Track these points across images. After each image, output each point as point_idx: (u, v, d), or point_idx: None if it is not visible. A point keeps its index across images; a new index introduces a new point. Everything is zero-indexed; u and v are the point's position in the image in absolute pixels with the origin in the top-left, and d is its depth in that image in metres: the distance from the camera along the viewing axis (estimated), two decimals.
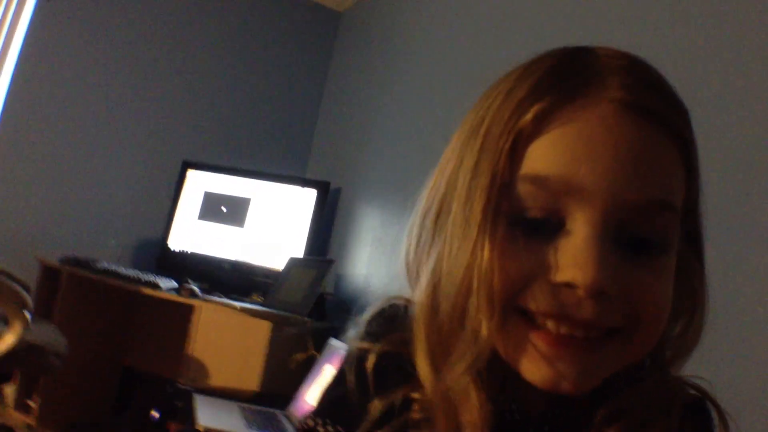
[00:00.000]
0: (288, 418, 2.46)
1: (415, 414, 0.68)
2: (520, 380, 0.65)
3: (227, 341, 3.01)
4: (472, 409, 0.64)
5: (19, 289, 2.66)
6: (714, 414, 0.72)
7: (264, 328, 2.95)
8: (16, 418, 3.50)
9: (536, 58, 0.67)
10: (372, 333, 0.74)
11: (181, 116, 4.35)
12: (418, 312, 0.70)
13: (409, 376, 0.68)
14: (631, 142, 0.60)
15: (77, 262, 3.47)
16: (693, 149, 0.65)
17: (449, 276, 0.65)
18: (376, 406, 0.68)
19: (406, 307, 0.74)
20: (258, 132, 4.54)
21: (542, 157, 0.61)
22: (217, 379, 2.90)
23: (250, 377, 2.88)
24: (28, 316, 2.68)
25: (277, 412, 2.52)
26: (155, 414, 2.59)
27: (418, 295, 0.70)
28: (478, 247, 0.62)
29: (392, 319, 0.75)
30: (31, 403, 3.49)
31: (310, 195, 3.78)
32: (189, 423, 2.17)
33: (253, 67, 4.56)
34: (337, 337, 2.67)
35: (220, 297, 3.24)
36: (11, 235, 3.87)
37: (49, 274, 3.62)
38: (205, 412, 2.22)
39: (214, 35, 4.46)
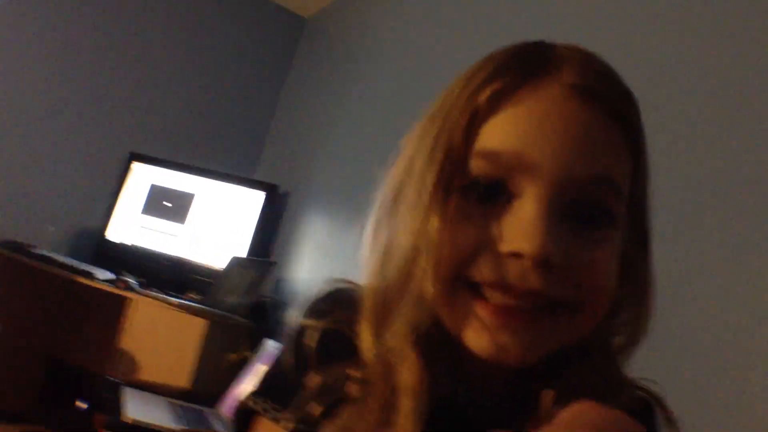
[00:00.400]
0: (217, 416, 2.43)
1: (354, 390, 0.68)
2: (466, 361, 0.66)
3: (160, 337, 2.97)
4: (410, 372, 0.65)
5: None
6: (660, 418, 0.73)
7: (199, 325, 2.91)
8: None
9: (496, 50, 0.71)
10: (316, 311, 0.74)
11: (132, 107, 4.29)
12: (366, 284, 0.71)
13: (351, 355, 0.69)
14: (579, 123, 0.63)
15: (14, 247, 3.40)
16: (640, 136, 0.69)
17: (399, 245, 0.67)
18: (314, 379, 0.68)
19: (352, 290, 0.75)
20: (210, 129, 4.50)
21: (495, 134, 0.64)
22: (147, 374, 2.85)
23: (180, 374, 2.84)
24: None
25: (206, 410, 2.49)
26: (82, 405, 2.54)
27: (368, 269, 0.72)
28: (428, 217, 0.64)
29: (337, 300, 0.75)
30: None
31: (257, 197, 3.75)
32: (116, 415, 2.14)
33: (211, 64, 4.52)
34: (272, 338, 2.65)
35: (156, 292, 3.19)
36: None
37: None
38: (134, 404, 2.18)
39: (174, 28, 4.41)
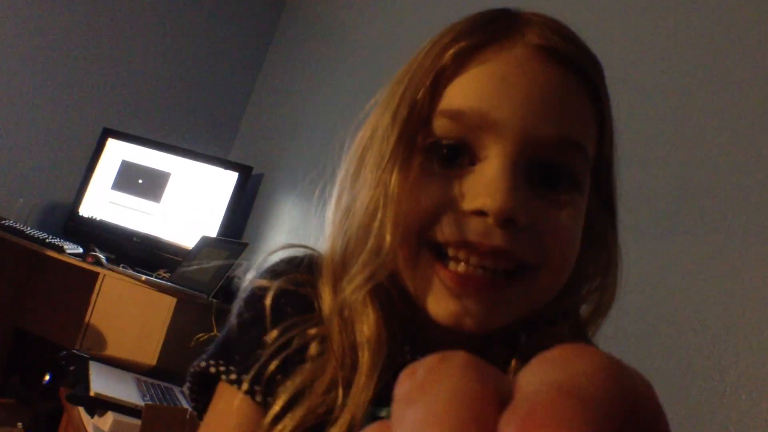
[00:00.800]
0: (184, 394, 2.43)
1: (312, 348, 0.68)
2: (425, 326, 0.67)
3: (128, 313, 2.96)
4: (367, 325, 0.66)
5: None
6: None
7: (167, 303, 2.90)
8: None
9: (465, 16, 0.71)
10: (272, 272, 0.74)
11: (107, 82, 4.25)
12: (327, 243, 0.72)
13: (307, 314, 0.70)
14: (543, 83, 0.63)
15: None
16: (605, 99, 0.69)
17: (360, 204, 0.67)
18: (272, 336, 0.68)
19: (308, 254, 0.76)
20: (186, 108, 4.48)
21: (459, 93, 0.64)
22: (113, 350, 2.84)
23: (147, 351, 2.83)
24: None
25: (174, 387, 2.48)
26: (47, 377, 2.53)
27: (330, 229, 0.73)
28: (388, 173, 0.65)
29: (293, 262, 0.76)
30: None
31: (230, 177, 3.75)
32: (81, 388, 2.13)
33: (190, 43, 4.49)
34: None
35: (125, 268, 3.18)
36: None
37: None
38: (100, 379, 2.17)
39: (153, 5, 4.37)
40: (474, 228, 0.62)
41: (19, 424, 3.01)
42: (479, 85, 0.64)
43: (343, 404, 0.65)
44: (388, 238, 0.64)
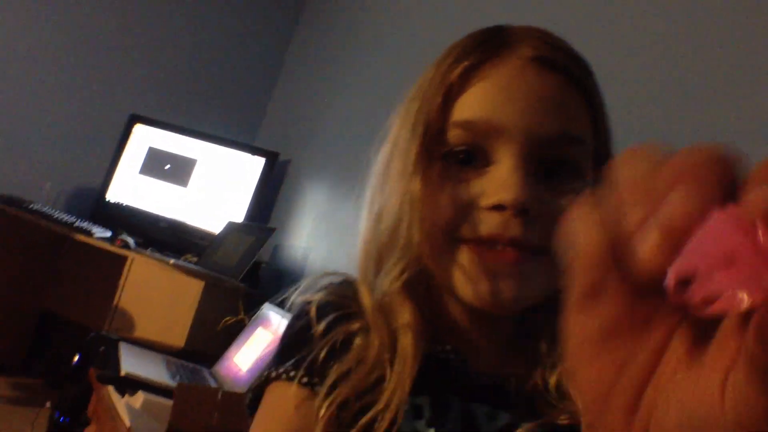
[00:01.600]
0: (213, 375, 2.44)
1: (356, 340, 0.74)
2: (455, 323, 0.77)
3: (156, 296, 2.98)
4: (405, 312, 0.73)
5: None
6: None
7: (195, 287, 2.92)
8: None
9: (460, 38, 0.79)
10: (314, 288, 0.82)
11: (135, 69, 4.28)
12: (360, 249, 0.81)
13: (347, 311, 0.77)
14: (539, 88, 0.72)
15: (10, 201, 3.39)
16: (596, 97, 0.77)
17: (389, 209, 0.76)
18: (319, 330, 0.75)
19: (343, 276, 0.84)
20: (213, 94, 4.50)
21: (468, 106, 0.73)
22: (141, 332, 2.86)
23: (175, 333, 2.85)
24: None
25: (203, 369, 2.50)
26: (76, 358, 2.55)
27: (363, 234, 0.81)
28: (412, 182, 0.73)
29: (331, 281, 0.84)
30: None
31: (257, 163, 3.76)
32: (112, 368, 2.14)
33: (217, 29, 4.51)
34: (269, 303, 2.65)
35: (153, 253, 3.19)
36: None
37: None
38: (130, 359, 2.19)
39: None
40: (493, 222, 0.69)
41: (48, 404, 3.04)
42: (484, 96, 0.72)
43: (386, 387, 0.70)
44: (416, 237, 0.72)
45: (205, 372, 2.46)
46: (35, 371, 3.84)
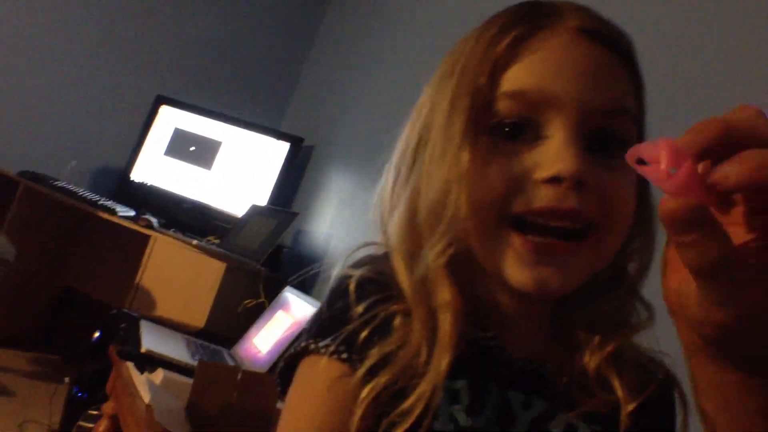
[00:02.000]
0: (233, 356, 2.45)
1: (396, 321, 0.72)
2: (494, 305, 0.75)
3: (178, 276, 2.99)
4: (445, 291, 0.71)
5: None
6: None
7: (217, 268, 2.93)
8: None
9: (497, 13, 0.77)
10: (354, 264, 0.79)
11: (163, 50, 4.29)
12: (396, 228, 0.78)
13: (387, 293, 0.74)
14: (590, 61, 0.71)
15: (36, 177, 3.41)
16: (639, 72, 0.76)
17: (429, 187, 0.73)
18: (358, 311, 0.72)
19: (386, 252, 0.80)
20: (239, 77, 4.51)
21: (518, 77, 0.70)
22: (162, 311, 2.88)
23: (196, 314, 2.86)
24: None
25: (223, 349, 2.50)
26: (96, 335, 2.56)
27: (396, 217, 0.78)
28: (459, 157, 0.70)
29: (373, 257, 0.81)
30: None
31: (282, 148, 3.76)
32: (132, 345, 2.14)
33: (244, 12, 4.52)
34: (290, 287, 2.65)
35: (176, 233, 3.21)
36: None
37: (6, 185, 3.55)
38: (150, 337, 2.19)
39: None
40: (547, 195, 0.67)
41: (66, 379, 3.06)
42: (535, 68, 0.70)
43: (425, 369, 0.68)
44: (463, 211, 0.69)
45: (225, 353, 2.47)
46: (55, 347, 3.87)
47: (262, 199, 3.65)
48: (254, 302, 2.89)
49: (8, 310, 3.59)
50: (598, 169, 0.68)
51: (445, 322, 0.69)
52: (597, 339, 0.73)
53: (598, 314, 0.74)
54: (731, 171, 0.45)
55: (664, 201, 0.45)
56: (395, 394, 0.68)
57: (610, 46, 0.72)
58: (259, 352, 2.38)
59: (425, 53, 3.07)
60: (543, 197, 0.67)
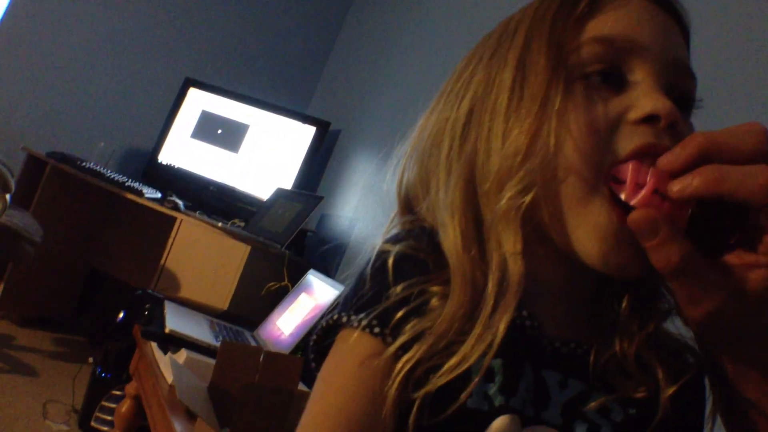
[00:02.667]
0: (255, 338, 2.45)
1: (433, 302, 0.68)
2: (536, 279, 0.70)
3: (203, 258, 3.00)
4: (517, 240, 0.67)
5: (1, 168, 2.63)
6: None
7: (241, 251, 2.94)
8: None
9: None
10: (393, 238, 0.76)
11: (192, 33, 4.31)
12: (449, 202, 0.73)
13: (426, 272, 0.70)
14: (665, 23, 0.71)
15: (64, 158, 3.43)
16: (689, 46, 0.76)
17: (496, 145, 0.70)
18: (396, 291, 0.69)
19: (423, 226, 0.77)
20: (267, 61, 4.51)
21: (604, 25, 0.69)
22: (186, 293, 2.89)
23: (220, 296, 2.87)
24: (7, 198, 2.64)
25: (245, 331, 2.51)
26: (121, 315, 2.58)
27: (444, 192, 0.75)
28: (548, 99, 0.67)
29: (412, 232, 0.77)
30: None
31: (308, 132, 3.76)
32: (156, 326, 2.15)
33: None
34: (314, 271, 2.66)
35: (201, 215, 3.21)
36: (1, 126, 3.82)
37: (34, 165, 3.58)
38: (174, 318, 2.19)
39: None
40: (645, 133, 0.65)
41: (90, 360, 3.08)
42: (621, 19, 0.69)
43: (470, 329, 0.65)
44: (563, 154, 0.66)
45: (247, 334, 2.47)
46: (80, 328, 3.90)
47: (288, 183, 3.65)
48: (278, 285, 2.89)
49: (35, 290, 3.62)
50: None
51: (515, 269, 0.66)
52: (636, 322, 0.71)
53: (636, 297, 0.73)
54: (688, 182, 0.54)
55: (632, 213, 0.55)
56: (430, 370, 0.65)
57: (677, 19, 0.73)
58: (282, 334, 2.38)
59: (454, 38, 3.05)
60: (640, 136, 0.65)
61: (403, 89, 3.35)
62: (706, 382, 0.73)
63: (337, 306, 0.76)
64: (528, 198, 0.66)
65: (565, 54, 0.69)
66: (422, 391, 0.64)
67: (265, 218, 3.26)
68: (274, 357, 1.65)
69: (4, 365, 2.96)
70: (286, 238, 3.01)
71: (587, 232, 0.66)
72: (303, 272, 2.73)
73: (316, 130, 3.76)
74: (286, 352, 2.18)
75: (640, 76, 0.67)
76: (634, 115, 0.65)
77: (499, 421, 0.67)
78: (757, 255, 0.55)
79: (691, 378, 0.71)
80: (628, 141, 0.65)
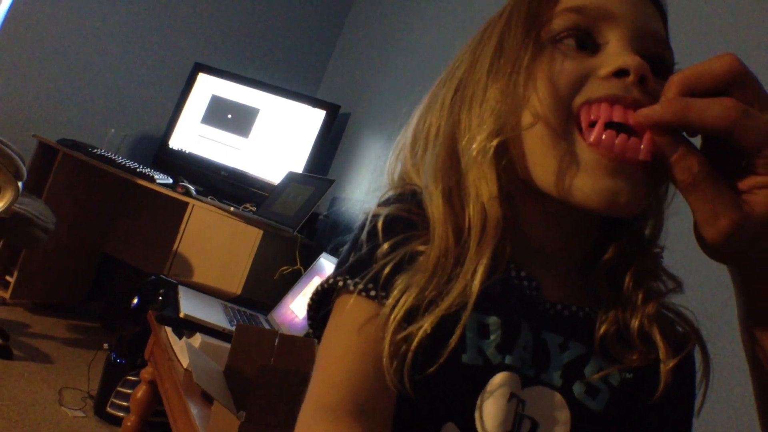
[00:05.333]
0: (269, 322, 2.46)
1: (419, 259, 0.70)
2: (526, 227, 0.74)
3: (215, 243, 3.01)
4: (491, 184, 0.70)
5: (14, 155, 2.63)
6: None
7: (253, 235, 2.94)
8: None
9: None
10: (383, 202, 0.80)
11: (201, 18, 4.30)
12: (433, 164, 0.76)
13: (414, 231, 0.73)
14: (642, 4, 0.74)
15: (75, 145, 3.44)
16: (667, 27, 0.79)
17: (477, 112, 0.74)
18: (384, 249, 0.71)
19: (413, 189, 0.80)
20: (276, 45, 4.50)
21: None
22: (199, 277, 2.90)
23: (233, 280, 2.87)
24: (20, 186, 2.64)
25: (259, 315, 2.51)
26: (135, 300, 2.58)
27: (431, 155, 0.78)
28: (518, 59, 0.72)
29: (402, 195, 0.80)
30: (9, 279, 3.47)
31: (318, 115, 3.76)
32: (171, 310, 2.16)
33: None
34: (326, 254, 2.66)
35: (213, 200, 3.22)
36: (11, 113, 3.83)
37: (46, 153, 3.59)
38: (189, 303, 2.20)
39: None
40: (613, 86, 0.67)
41: (105, 345, 3.10)
42: None
43: (455, 275, 0.67)
44: (536, 103, 0.69)
45: (261, 318, 2.48)
46: (94, 314, 3.91)
47: (299, 167, 3.65)
48: (290, 269, 2.89)
49: (48, 277, 3.64)
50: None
51: (492, 212, 0.69)
52: (641, 294, 0.73)
53: (640, 270, 0.75)
54: (653, 112, 0.60)
55: (653, 132, 0.61)
56: (423, 311, 0.67)
57: (656, 5, 0.76)
58: (296, 317, 2.39)
59: (462, 21, 3.04)
60: (608, 88, 0.67)
61: (413, 70, 3.34)
62: (696, 350, 0.75)
63: (335, 267, 0.78)
64: (495, 141, 0.70)
65: (540, 23, 0.73)
66: (415, 328, 0.65)
67: (277, 202, 3.26)
68: (288, 340, 1.65)
69: (19, 352, 2.98)
70: (298, 221, 3.01)
71: (573, 170, 0.67)
72: (315, 255, 2.74)
73: (326, 113, 3.75)
74: (300, 334, 2.19)
75: (611, 38, 0.71)
76: (603, 70, 0.68)
77: (500, 377, 0.69)
78: (763, 176, 0.58)
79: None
80: (595, 91, 0.68)
